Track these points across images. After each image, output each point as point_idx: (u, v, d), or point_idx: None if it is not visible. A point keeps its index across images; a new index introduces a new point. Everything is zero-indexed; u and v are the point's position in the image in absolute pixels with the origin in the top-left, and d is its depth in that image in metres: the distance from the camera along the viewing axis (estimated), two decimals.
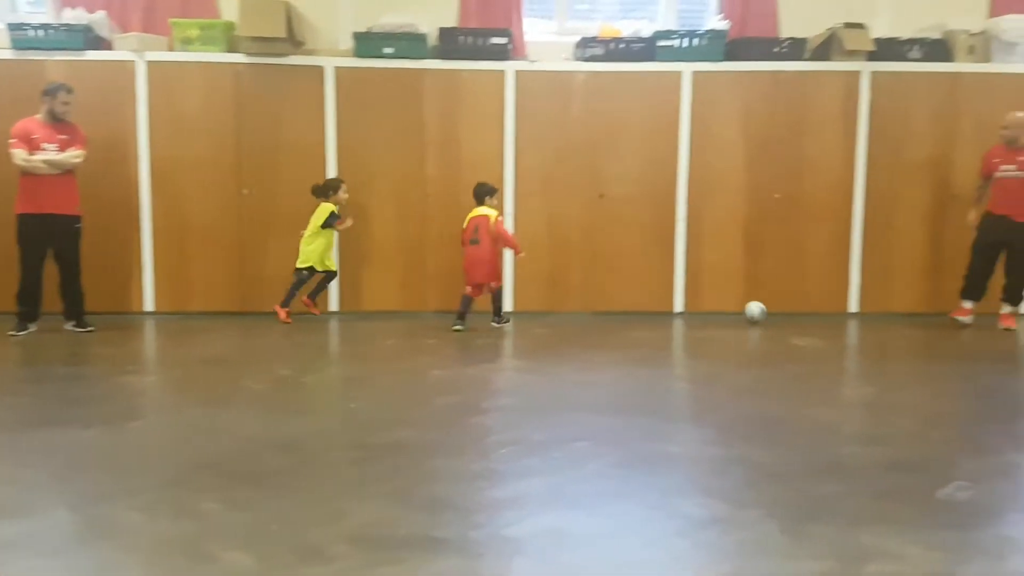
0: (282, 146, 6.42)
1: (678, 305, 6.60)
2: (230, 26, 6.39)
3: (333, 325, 6.14)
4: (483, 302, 6.03)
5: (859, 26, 6.36)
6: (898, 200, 6.53)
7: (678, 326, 6.27)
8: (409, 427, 3.61)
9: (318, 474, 3.07)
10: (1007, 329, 6.03)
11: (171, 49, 6.37)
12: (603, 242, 6.54)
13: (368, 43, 6.37)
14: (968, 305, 6.19)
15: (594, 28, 6.74)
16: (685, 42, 6.44)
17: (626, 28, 6.67)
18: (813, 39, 6.53)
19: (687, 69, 6.42)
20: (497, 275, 6.03)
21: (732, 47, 6.49)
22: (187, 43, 6.32)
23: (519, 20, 6.78)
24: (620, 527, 2.61)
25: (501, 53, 6.41)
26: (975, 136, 6.37)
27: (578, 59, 6.56)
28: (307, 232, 6.18)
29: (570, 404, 4.07)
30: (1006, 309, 6.14)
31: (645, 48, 6.46)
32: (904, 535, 2.53)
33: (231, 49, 6.38)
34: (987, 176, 6.10)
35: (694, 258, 6.58)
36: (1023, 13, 6.50)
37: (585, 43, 6.51)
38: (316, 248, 6.20)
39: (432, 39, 6.46)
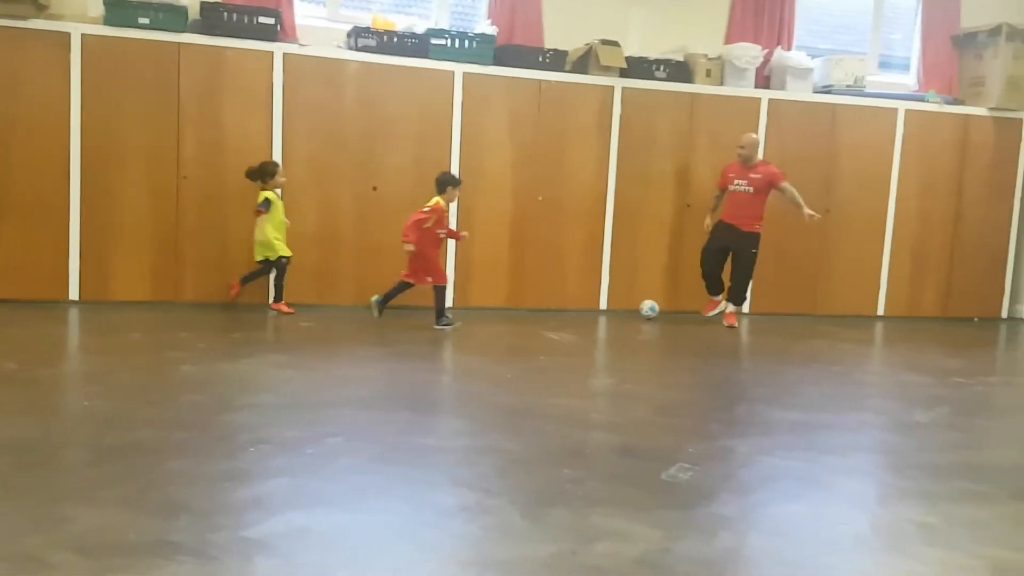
0: (19, 118, 5.79)
1: (448, 300, 6.71)
2: None
3: (73, 315, 5.62)
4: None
5: (614, 44, 6.80)
6: (643, 207, 7.06)
7: None
8: (149, 426, 3.40)
9: (41, 477, 2.82)
10: (730, 327, 6.74)
11: None
12: (375, 235, 6.50)
13: (121, 11, 5.90)
14: (717, 299, 6.86)
15: (367, 18, 6.69)
16: (457, 43, 6.56)
17: (400, 22, 6.68)
18: (573, 52, 6.89)
19: (459, 69, 6.54)
20: (431, 270, 5.91)
21: (500, 52, 6.71)
22: None
23: (289, 1, 6.57)
24: (369, 522, 2.63)
25: (269, 33, 6.18)
26: (710, 151, 7.05)
27: (350, 48, 6.48)
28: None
29: (328, 400, 4.04)
30: (730, 308, 6.85)
31: (419, 44, 6.51)
32: (631, 515, 2.78)
33: None
34: (723, 188, 6.77)
35: (464, 254, 6.72)
36: (751, 43, 7.28)
37: (358, 32, 6.44)
38: (262, 239, 5.95)
39: (193, 12, 6.10)
